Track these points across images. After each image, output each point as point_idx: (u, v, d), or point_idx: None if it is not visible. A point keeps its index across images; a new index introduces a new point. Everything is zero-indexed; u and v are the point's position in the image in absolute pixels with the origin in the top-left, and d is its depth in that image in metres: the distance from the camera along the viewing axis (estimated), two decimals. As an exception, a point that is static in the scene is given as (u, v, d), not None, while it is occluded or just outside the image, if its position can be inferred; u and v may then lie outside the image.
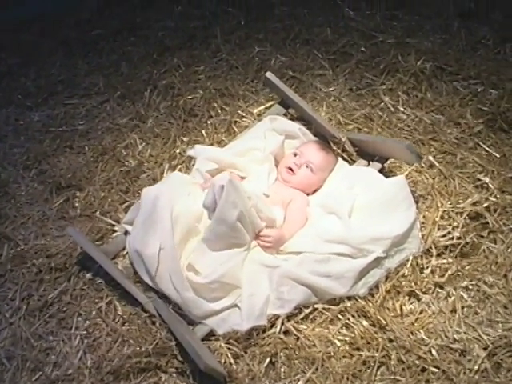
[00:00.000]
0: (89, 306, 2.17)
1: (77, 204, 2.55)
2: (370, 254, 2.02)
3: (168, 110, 2.90)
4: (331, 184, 2.27)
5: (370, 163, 2.32)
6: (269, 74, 2.42)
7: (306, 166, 2.27)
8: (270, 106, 2.62)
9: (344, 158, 2.42)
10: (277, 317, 1.99)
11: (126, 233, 2.26)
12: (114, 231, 2.36)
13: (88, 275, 2.25)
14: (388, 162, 2.37)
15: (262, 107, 2.67)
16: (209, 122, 2.77)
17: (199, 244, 2.02)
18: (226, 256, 1.99)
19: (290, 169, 2.27)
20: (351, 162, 2.40)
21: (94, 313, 2.14)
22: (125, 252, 2.27)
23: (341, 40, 3.14)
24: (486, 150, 2.53)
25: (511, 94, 2.71)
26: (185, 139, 2.67)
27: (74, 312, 2.15)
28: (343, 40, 3.14)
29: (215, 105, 2.84)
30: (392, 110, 2.73)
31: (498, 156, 2.50)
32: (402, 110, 2.72)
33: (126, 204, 2.46)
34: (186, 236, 2.03)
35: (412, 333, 1.99)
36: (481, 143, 2.56)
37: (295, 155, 2.31)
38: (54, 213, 2.53)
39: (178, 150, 2.58)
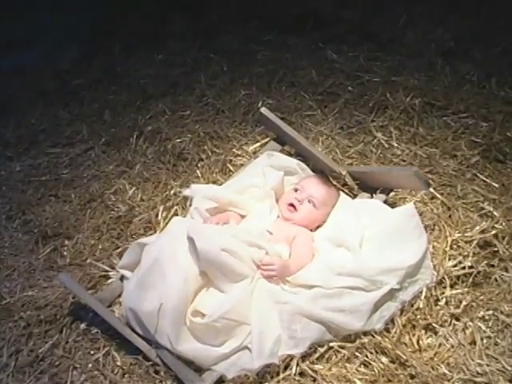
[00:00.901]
0: (84, 358, 2.01)
1: (65, 253, 2.42)
2: (384, 285, 1.93)
3: (156, 155, 2.82)
4: (336, 218, 2.19)
5: (374, 195, 2.25)
6: (263, 110, 2.37)
7: (309, 201, 2.19)
8: (266, 143, 2.56)
9: (345, 193, 2.35)
10: (291, 357, 1.87)
11: (122, 278, 2.13)
12: (109, 277, 2.23)
13: (82, 326, 2.11)
14: (391, 193, 2.30)
15: (258, 144, 2.61)
16: (199, 165, 2.69)
17: (204, 289, 1.91)
18: (230, 291, 1.87)
19: (292, 205, 2.19)
20: (353, 196, 2.33)
21: (90, 365, 1.98)
22: (121, 299, 2.13)
23: (327, 81, 3.14)
24: (485, 181, 2.50)
25: (502, 126, 2.71)
26: (176, 183, 2.58)
27: (69, 366, 1.99)
28: (329, 81, 3.14)
29: (205, 147, 2.78)
30: (386, 145, 2.70)
31: (496, 186, 2.47)
32: (396, 145, 2.69)
33: (119, 250, 2.34)
34: (193, 288, 1.91)
35: (433, 368, 1.89)
36: (478, 174, 2.53)
37: (296, 190, 2.23)
38: (41, 263, 2.40)
39: (171, 192, 2.49)
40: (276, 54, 3.48)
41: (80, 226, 2.51)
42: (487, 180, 2.50)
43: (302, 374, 1.87)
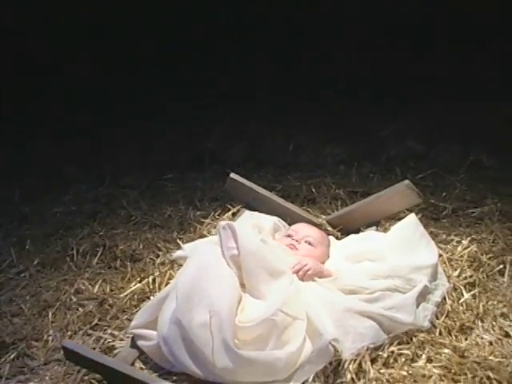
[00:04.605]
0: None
1: (36, 353, 2.04)
2: (418, 283, 1.94)
3: (104, 264, 2.61)
4: (341, 248, 2.19)
5: (363, 230, 2.31)
6: (233, 175, 2.40)
7: (305, 242, 2.18)
8: (238, 211, 2.53)
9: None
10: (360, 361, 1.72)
11: (133, 339, 1.85)
12: (114, 349, 1.91)
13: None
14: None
15: (230, 213, 2.56)
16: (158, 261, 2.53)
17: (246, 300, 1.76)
18: (277, 287, 1.78)
19: (292, 246, 2.16)
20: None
21: None
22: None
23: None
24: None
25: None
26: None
27: None
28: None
29: (159, 245, 2.65)
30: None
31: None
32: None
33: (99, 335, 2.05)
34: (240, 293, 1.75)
35: (486, 358, 1.86)
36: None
37: (289, 236, 2.22)
38: (7, 371, 1.98)
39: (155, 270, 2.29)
40: (184, 183, 3.53)
41: (43, 330, 2.18)
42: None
43: (377, 379, 1.72)
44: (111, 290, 2.33)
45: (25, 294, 2.48)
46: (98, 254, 2.69)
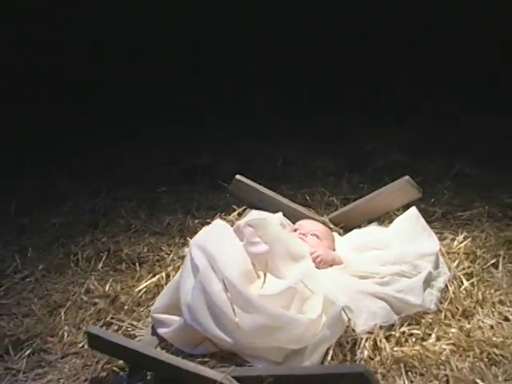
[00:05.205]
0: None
1: (52, 348, 2.08)
2: (423, 269, 2.04)
3: (109, 268, 2.66)
4: (346, 241, 2.29)
5: (364, 226, 2.41)
6: (238, 176, 2.48)
7: (312, 235, 2.27)
8: (243, 211, 2.61)
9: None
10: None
11: (153, 328, 1.91)
12: (135, 337, 1.96)
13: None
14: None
15: (235, 213, 2.63)
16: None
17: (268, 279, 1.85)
18: (298, 269, 1.88)
19: (300, 239, 2.25)
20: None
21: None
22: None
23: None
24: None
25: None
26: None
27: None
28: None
29: (163, 248, 2.70)
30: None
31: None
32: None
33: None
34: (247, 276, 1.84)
35: (489, 338, 1.96)
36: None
37: (295, 230, 2.31)
38: (24, 365, 2.01)
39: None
40: (179, 195, 3.60)
41: (55, 328, 2.21)
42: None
43: (392, 355, 1.81)
44: (122, 289, 2.37)
45: (32, 296, 2.51)
46: (103, 258, 2.72)
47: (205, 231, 2.07)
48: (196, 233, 2.68)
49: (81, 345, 2.08)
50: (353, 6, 5.18)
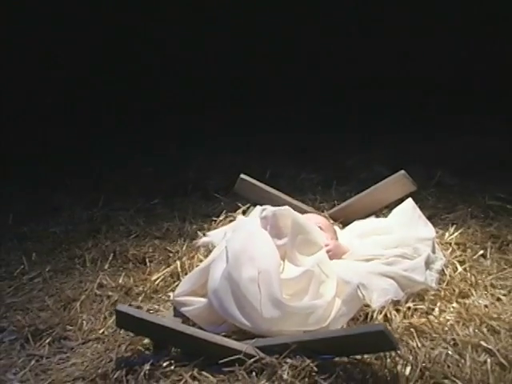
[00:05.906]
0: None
1: (73, 335, 2.16)
2: (423, 252, 2.20)
3: (116, 268, 2.74)
4: (345, 235, 2.45)
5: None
6: (243, 176, 2.62)
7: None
8: (248, 208, 2.73)
9: (334, 229, 2.62)
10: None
11: (175, 309, 2.02)
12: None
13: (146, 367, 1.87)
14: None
15: (240, 210, 2.76)
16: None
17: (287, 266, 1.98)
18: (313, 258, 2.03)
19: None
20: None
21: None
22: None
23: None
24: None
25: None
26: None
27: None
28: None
29: (169, 248, 2.81)
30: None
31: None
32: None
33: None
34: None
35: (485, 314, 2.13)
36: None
37: (300, 223, 2.45)
38: (46, 351, 2.09)
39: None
40: (173, 206, 3.71)
41: (73, 317, 2.30)
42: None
43: (401, 326, 1.96)
44: (135, 282, 2.46)
45: (43, 294, 2.57)
46: (109, 259, 2.80)
47: (237, 224, 2.19)
48: (196, 238, 2.84)
49: (101, 331, 2.15)
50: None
